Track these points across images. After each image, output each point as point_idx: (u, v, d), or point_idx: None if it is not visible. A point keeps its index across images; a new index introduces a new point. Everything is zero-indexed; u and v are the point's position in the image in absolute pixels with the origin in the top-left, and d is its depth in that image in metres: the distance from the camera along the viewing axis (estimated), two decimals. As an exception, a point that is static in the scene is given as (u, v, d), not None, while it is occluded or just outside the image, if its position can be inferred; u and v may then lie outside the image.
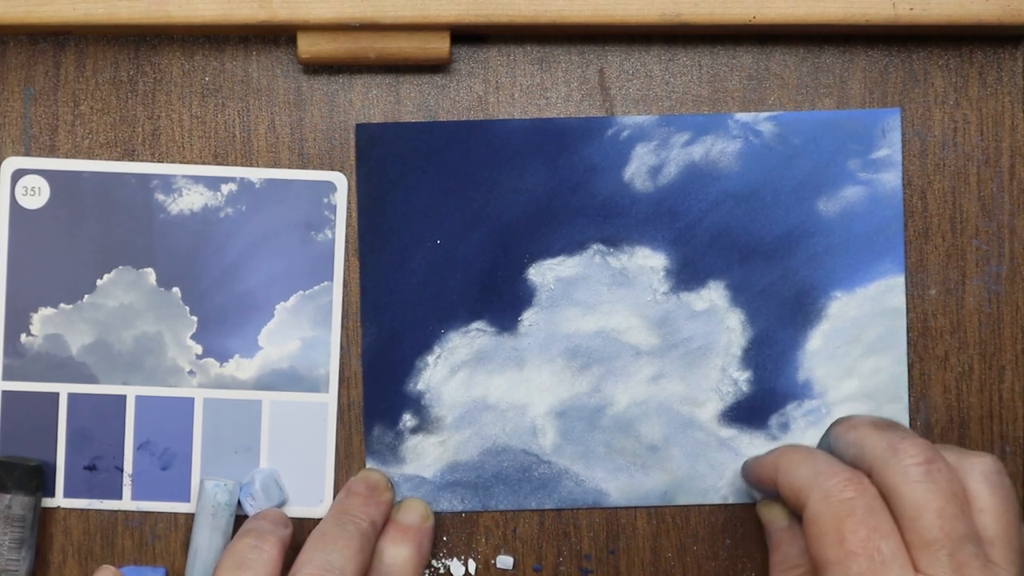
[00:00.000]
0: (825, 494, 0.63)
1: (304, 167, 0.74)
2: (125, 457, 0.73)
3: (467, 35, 0.73)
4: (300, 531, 0.72)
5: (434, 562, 0.74)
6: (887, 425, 0.66)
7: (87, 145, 0.73)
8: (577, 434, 0.73)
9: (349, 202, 0.73)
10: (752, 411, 0.73)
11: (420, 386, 0.73)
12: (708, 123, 0.73)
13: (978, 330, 0.74)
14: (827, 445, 0.68)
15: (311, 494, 0.73)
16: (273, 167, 0.73)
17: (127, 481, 0.73)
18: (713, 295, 0.73)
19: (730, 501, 0.73)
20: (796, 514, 0.68)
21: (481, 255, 0.73)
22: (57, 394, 0.73)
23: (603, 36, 0.74)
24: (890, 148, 0.73)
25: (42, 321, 0.73)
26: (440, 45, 0.71)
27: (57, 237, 0.73)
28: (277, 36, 0.74)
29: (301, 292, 0.73)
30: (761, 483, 0.70)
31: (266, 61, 0.74)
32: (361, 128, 0.73)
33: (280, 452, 0.73)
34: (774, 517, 0.71)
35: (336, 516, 0.69)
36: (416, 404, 0.73)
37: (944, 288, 0.74)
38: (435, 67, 0.74)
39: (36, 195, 0.73)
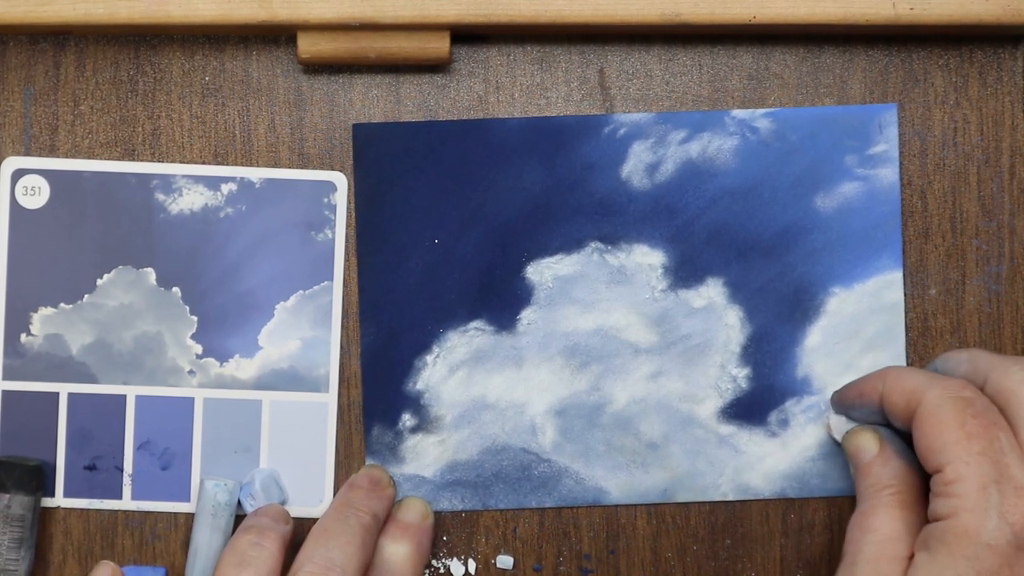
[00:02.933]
0: (944, 390, 0.64)
1: (304, 167, 0.74)
2: (125, 457, 0.73)
3: (467, 35, 0.74)
4: (300, 531, 0.72)
5: (434, 562, 0.74)
6: None
7: (87, 145, 0.73)
8: (576, 432, 0.73)
9: (349, 202, 0.73)
10: (751, 408, 0.73)
11: (419, 385, 0.73)
12: (705, 120, 0.73)
13: (978, 330, 0.74)
14: (934, 370, 0.69)
15: (311, 494, 0.73)
16: (273, 167, 0.74)
17: (127, 481, 0.73)
18: (711, 292, 0.73)
19: (730, 498, 0.73)
20: (895, 429, 0.69)
21: (479, 254, 0.73)
22: (57, 394, 0.73)
23: (603, 36, 0.74)
24: (887, 144, 0.73)
25: (42, 321, 0.73)
26: (440, 45, 0.71)
27: (57, 237, 0.73)
28: (277, 36, 0.74)
29: (301, 292, 0.73)
30: (862, 397, 0.69)
31: (266, 61, 0.74)
32: (358, 128, 0.73)
33: (280, 452, 0.73)
34: (864, 444, 0.69)
35: (338, 509, 0.69)
36: (415, 403, 0.73)
37: (944, 288, 0.74)
38: (435, 67, 0.74)
39: (36, 195, 0.73)
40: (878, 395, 0.68)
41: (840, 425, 0.72)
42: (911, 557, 0.64)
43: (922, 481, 0.66)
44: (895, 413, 0.67)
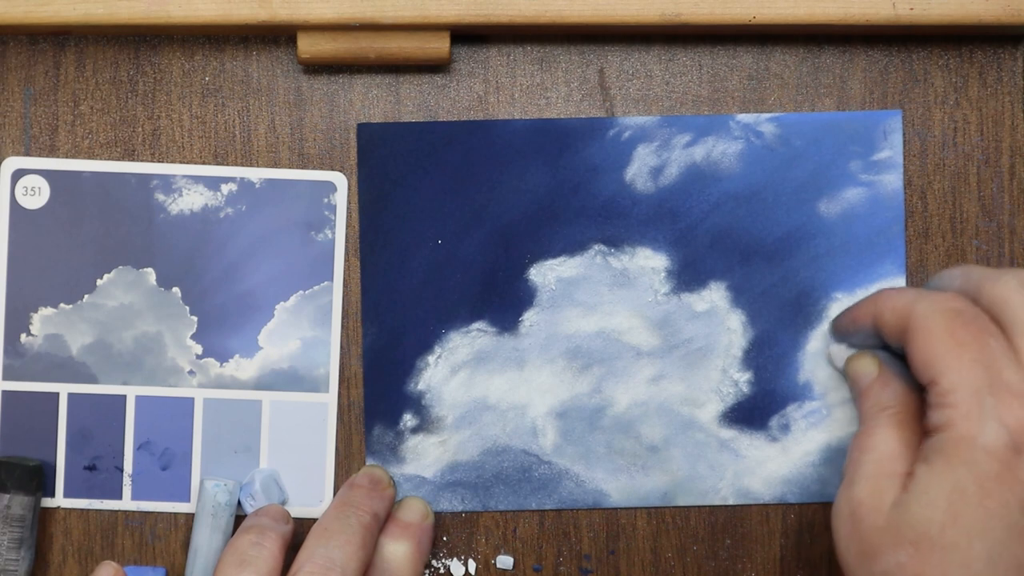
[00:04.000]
0: (932, 303, 0.64)
1: (304, 167, 0.74)
2: (125, 457, 0.73)
3: (467, 35, 0.73)
4: (300, 531, 0.72)
5: (434, 562, 0.74)
6: None
7: (87, 145, 0.73)
8: (577, 435, 0.73)
9: (349, 202, 0.73)
10: (752, 412, 0.73)
11: (420, 386, 0.73)
12: (709, 124, 0.73)
13: (978, 330, 0.74)
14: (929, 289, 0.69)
15: (311, 494, 0.73)
16: (273, 167, 0.73)
17: (127, 481, 0.73)
18: (714, 296, 0.73)
19: (730, 502, 0.74)
20: (895, 352, 0.69)
21: (482, 255, 0.73)
22: (57, 394, 0.73)
23: (603, 36, 0.74)
24: (891, 150, 0.73)
25: (42, 321, 0.73)
26: (440, 45, 0.71)
27: (57, 237, 0.73)
28: (277, 36, 0.74)
29: (301, 292, 0.73)
30: (855, 323, 0.70)
31: (266, 61, 0.74)
32: (363, 128, 0.73)
33: (280, 452, 0.73)
34: (864, 367, 0.70)
35: (339, 508, 0.69)
36: (416, 404, 0.73)
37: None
38: (435, 67, 0.74)
39: (36, 195, 0.73)
40: (871, 318, 0.68)
41: (840, 353, 0.72)
42: (910, 475, 0.63)
43: (922, 402, 0.66)
44: (889, 333, 0.67)
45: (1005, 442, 0.61)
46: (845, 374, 0.71)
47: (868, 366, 0.69)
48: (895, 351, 0.69)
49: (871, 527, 0.63)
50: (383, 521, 0.71)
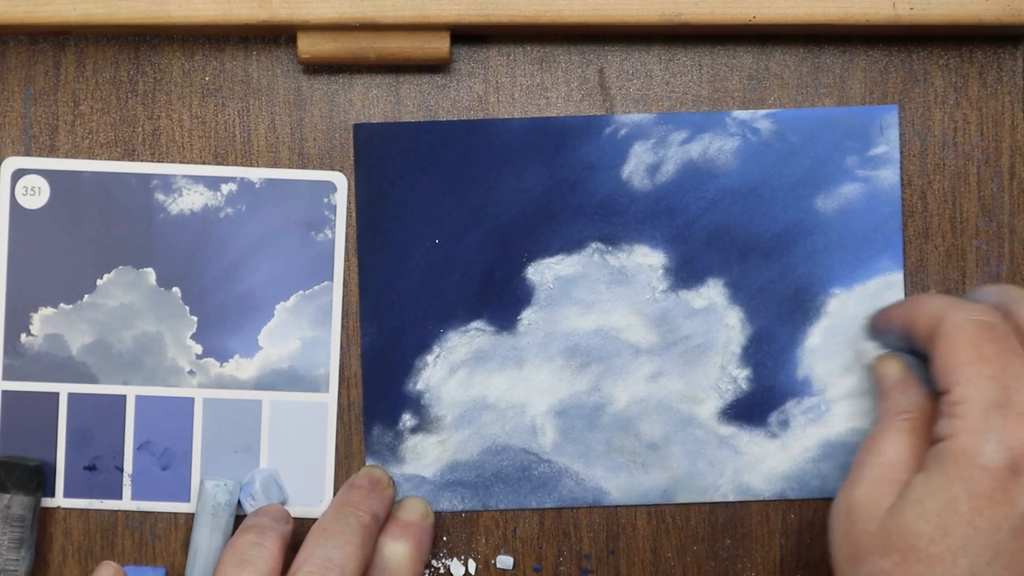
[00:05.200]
0: (965, 313, 0.64)
1: (304, 167, 0.74)
2: (125, 457, 0.73)
3: (467, 35, 0.74)
4: (300, 531, 0.72)
5: (434, 562, 0.74)
6: None
7: (87, 145, 0.73)
8: (577, 433, 0.73)
9: (349, 202, 0.73)
10: (751, 408, 0.73)
11: (420, 386, 0.73)
12: (706, 121, 0.73)
13: (979, 330, 0.74)
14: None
15: (311, 494, 0.73)
16: (273, 167, 0.74)
17: (127, 481, 0.73)
18: (712, 293, 0.73)
19: (730, 499, 0.73)
20: (920, 354, 0.69)
21: (480, 254, 0.73)
22: (57, 394, 0.73)
23: (603, 36, 0.74)
24: (888, 145, 0.73)
25: (42, 321, 0.73)
26: (440, 45, 0.71)
27: (57, 237, 0.73)
28: (277, 36, 0.74)
29: (301, 292, 0.73)
30: (890, 323, 0.70)
31: (266, 61, 0.74)
32: (359, 128, 0.73)
33: (280, 452, 0.73)
34: (890, 369, 0.70)
35: (338, 508, 0.69)
36: (416, 404, 0.73)
37: (944, 288, 0.74)
38: (435, 67, 0.74)
39: (36, 195, 0.73)
40: (905, 320, 0.68)
41: (869, 351, 0.72)
42: (909, 483, 0.63)
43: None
44: (919, 336, 0.67)
45: (1004, 462, 0.61)
46: (871, 372, 0.71)
47: (893, 368, 0.69)
48: (923, 356, 0.68)
49: (864, 530, 0.63)
50: (383, 521, 0.71)
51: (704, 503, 0.74)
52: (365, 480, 0.72)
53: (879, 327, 0.72)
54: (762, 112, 0.73)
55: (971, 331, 0.63)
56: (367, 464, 0.73)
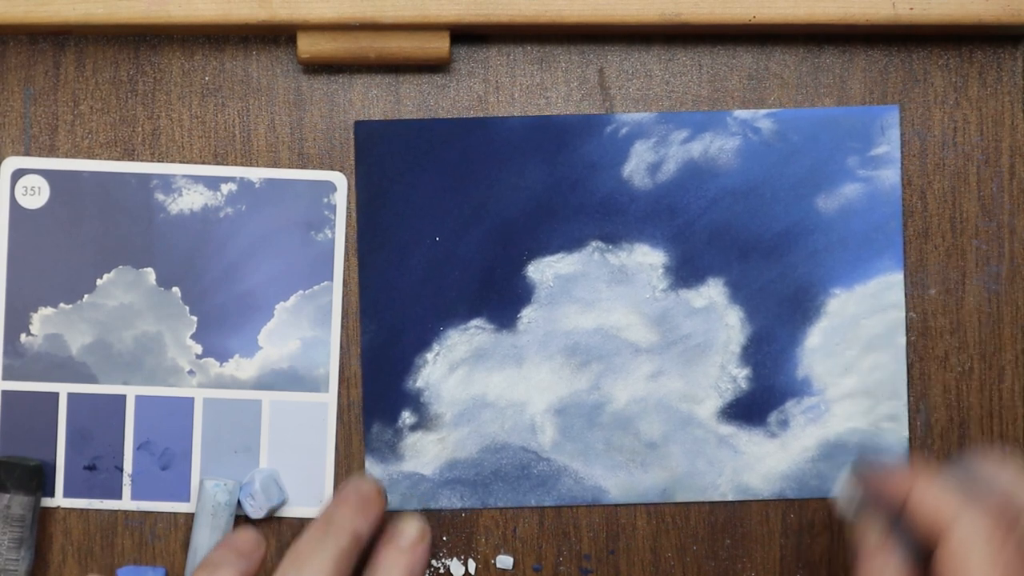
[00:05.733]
0: (976, 526, 0.61)
1: (304, 167, 0.74)
2: (125, 457, 0.73)
3: (467, 35, 0.74)
4: (300, 532, 0.72)
5: (434, 562, 0.74)
6: None
7: (87, 145, 0.73)
8: (576, 431, 0.73)
9: (349, 202, 0.73)
10: (751, 408, 0.73)
11: (419, 383, 0.73)
12: (707, 120, 0.73)
13: (978, 330, 0.74)
14: (965, 476, 0.65)
15: (311, 494, 0.73)
16: (273, 167, 0.74)
17: (127, 481, 0.73)
18: (712, 292, 0.73)
19: (729, 498, 0.73)
20: (916, 541, 0.64)
21: (480, 252, 0.73)
22: (57, 394, 0.73)
23: (603, 36, 0.74)
24: (889, 145, 0.73)
25: (42, 321, 0.73)
26: (440, 45, 0.71)
27: (57, 237, 0.73)
28: (277, 36, 0.74)
29: (301, 292, 0.73)
30: (881, 497, 0.65)
31: (266, 61, 0.74)
32: (360, 126, 0.73)
33: (280, 452, 0.73)
34: (870, 534, 0.65)
35: (318, 528, 0.67)
36: (415, 401, 0.73)
37: (944, 288, 0.74)
38: (435, 67, 0.74)
39: (36, 195, 0.73)
40: (902, 498, 0.64)
41: (851, 498, 0.67)
42: None
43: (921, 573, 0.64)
44: (919, 526, 0.63)
45: None
46: (850, 518, 0.67)
47: (874, 534, 0.65)
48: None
49: None
50: (367, 539, 0.68)
51: (704, 503, 0.74)
52: (353, 495, 0.70)
53: (870, 495, 0.66)
54: (763, 111, 0.73)
55: (986, 550, 0.60)
56: (366, 464, 0.73)
